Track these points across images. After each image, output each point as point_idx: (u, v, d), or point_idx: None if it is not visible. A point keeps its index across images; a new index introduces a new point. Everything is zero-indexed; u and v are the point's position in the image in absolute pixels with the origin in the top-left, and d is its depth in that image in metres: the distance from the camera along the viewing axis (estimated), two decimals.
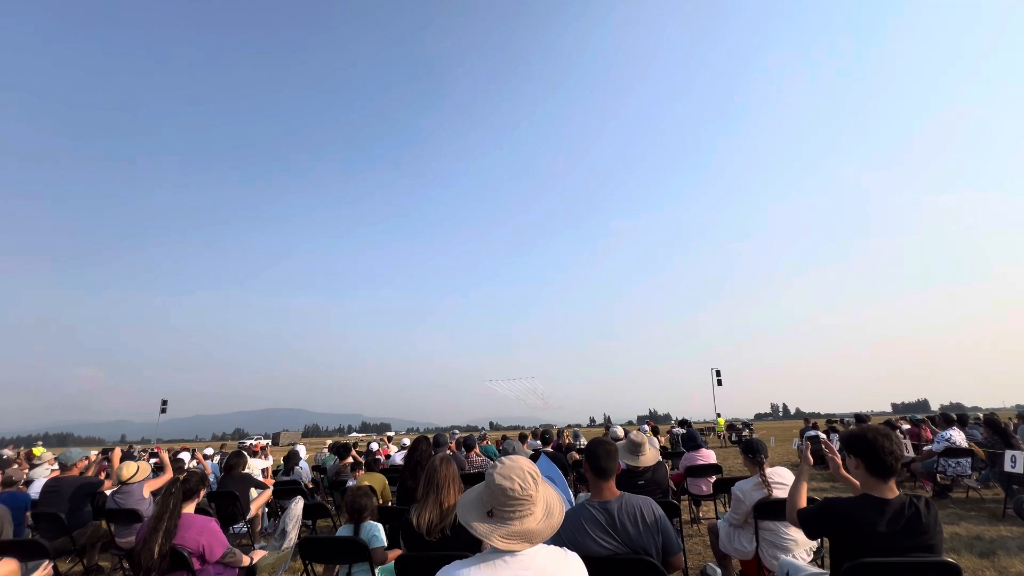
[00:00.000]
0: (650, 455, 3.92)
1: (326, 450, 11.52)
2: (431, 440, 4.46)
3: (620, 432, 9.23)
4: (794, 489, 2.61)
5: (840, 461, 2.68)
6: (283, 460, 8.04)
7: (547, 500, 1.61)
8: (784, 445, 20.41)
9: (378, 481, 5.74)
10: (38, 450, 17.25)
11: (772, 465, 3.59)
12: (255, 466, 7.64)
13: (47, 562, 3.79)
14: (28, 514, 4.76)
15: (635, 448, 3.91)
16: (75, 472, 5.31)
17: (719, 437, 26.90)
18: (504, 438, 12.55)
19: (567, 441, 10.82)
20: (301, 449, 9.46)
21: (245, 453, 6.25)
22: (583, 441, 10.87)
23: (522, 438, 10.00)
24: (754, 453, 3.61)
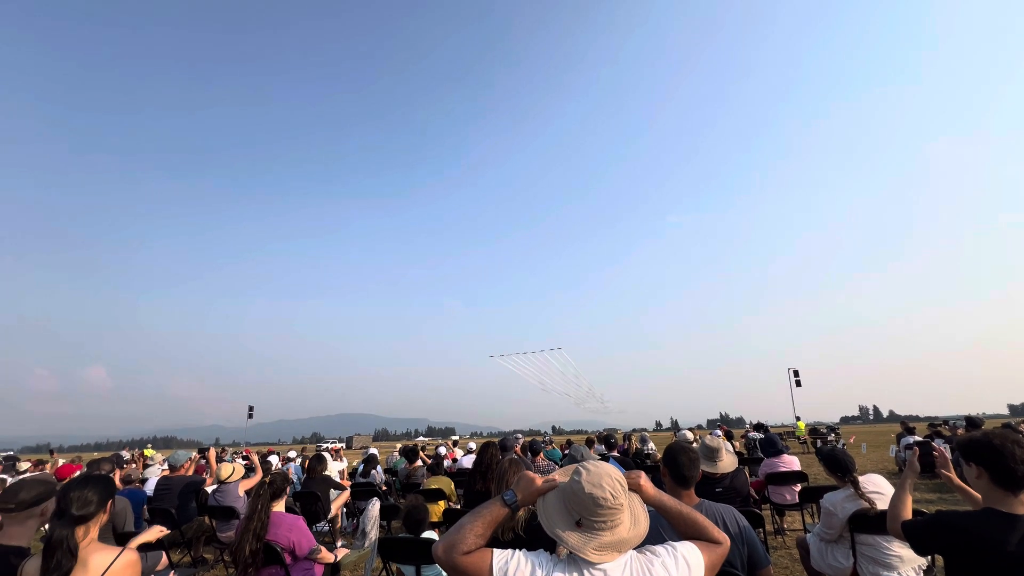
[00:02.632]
0: (728, 461, 3.71)
1: (396, 453, 11.97)
2: (498, 444, 4.51)
3: (690, 436, 8.84)
4: (897, 499, 2.35)
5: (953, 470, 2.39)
6: (362, 462, 8.45)
7: (632, 508, 1.55)
8: (878, 451, 18.57)
9: (445, 484, 5.91)
10: (149, 451, 19.34)
11: (864, 472, 3.26)
12: (333, 468, 8.11)
13: (162, 553, 4.22)
14: (145, 508, 5.34)
15: (711, 453, 3.71)
16: (182, 472, 5.90)
17: (801, 442, 24.95)
18: (569, 442, 12.41)
19: (634, 446, 10.51)
20: (372, 451, 9.90)
21: (326, 456, 6.64)
22: (651, 446, 10.50)
23: (588, 443, 9.83)
24: (842, 472, 3.18)
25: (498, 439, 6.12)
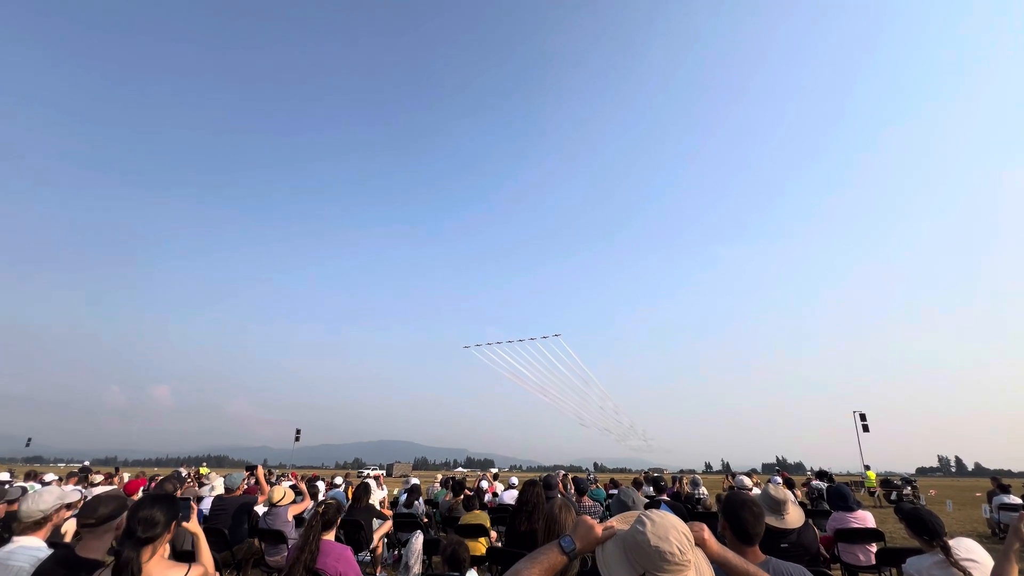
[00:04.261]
0: (795, 515, 3.41)
1: (437, 484, 11.88)
2: (541, 483, 4.39)
3: (748, 483, 8.27)
4: (1000, 571, 2.08)
5: None
6: (404, 492, 8.44)
7: (698, 564, 1.46)
8: (965, 510, 16.55)
9: (484, 519, 5.79)
10: (204, 469, 20.14)
11: (953, 536, 2.90)
12: (375, 496, 8.15)
13: (215, 573, 4.35)
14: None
15: (776, 506, 3.42)
16: (237, 494, 6.11)
17: (871, 494, 22.65)
18: (613, 482, 11.90)
19: (685, 490, 9.93)
20: (415, 482, 9.89)
21: (371, 484, 6.69)
22: (703, 490, 9.89)
23: (635, 484, 9.39)
24: (930, 535, 2.85)
25: (540, 476, 5.97)
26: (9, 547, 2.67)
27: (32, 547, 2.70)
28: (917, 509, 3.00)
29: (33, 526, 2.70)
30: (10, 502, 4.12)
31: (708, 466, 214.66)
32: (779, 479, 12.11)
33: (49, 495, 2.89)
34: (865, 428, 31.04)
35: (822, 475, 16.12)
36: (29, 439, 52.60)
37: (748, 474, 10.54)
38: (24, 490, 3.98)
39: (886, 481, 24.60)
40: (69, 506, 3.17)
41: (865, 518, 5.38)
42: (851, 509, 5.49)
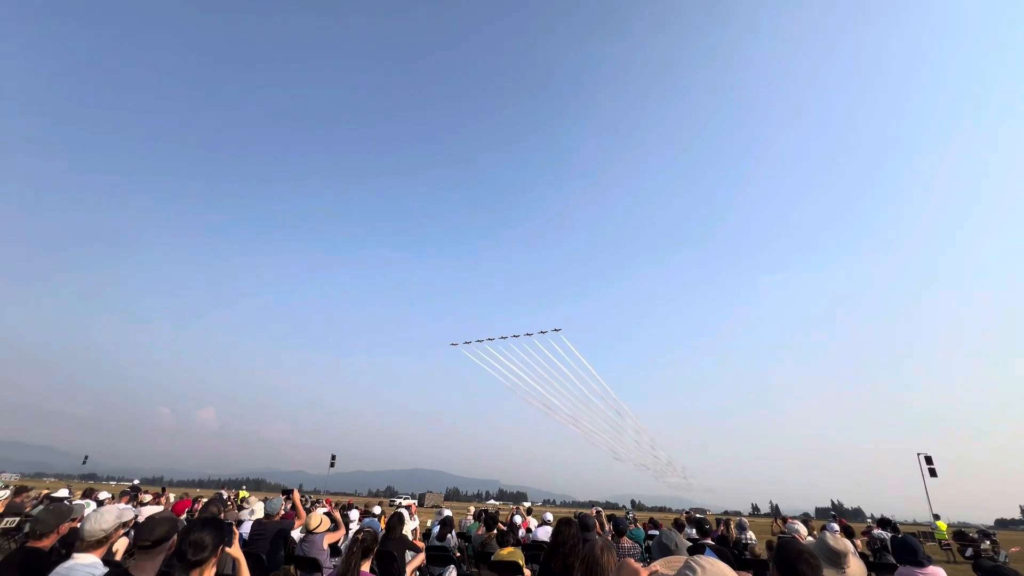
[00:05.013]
0: (856, 568, 3.12)
1: (470, 517, 11.66)
2: (577, 522, 4.22)
3: (803, 530, 7.71)
4: None
5: None
6: (437, 524, 8.33)
7: None
8: None
9: (519, 556, 5.60)
10: (243, 493, 20.60)
11: None
12: (407, 526, 8.06)
13: None
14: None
15: (836, 557, 3.14)
16: (276, 519, 6.21)
17: (943, 548, 20.46)
18: (652, 521, 11.34)
19: (732, 534, 9.33)
20: (448, 513, 9.74)
21: (405, 514, 6.65)
22: (751, 535, 9.24)
23: (676, 525, 8.90)
24: None
25: (575, 513, 5.76)
26: (68, 564, 2.80)
27: (88, 564, 2.82)
28: (1000, 568, 2.71)
29: (94, 544, 2.83)
30: (72, 519, 4.35)
31: (755, 508, 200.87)
32: (836, 526, 11.15)
33: (109, 514, 3.03)
34: (932, 472, 28.44)
35: (884, 523, 14.58)
36: (86, 457, 55.52)
37: (801, 519, 9.81)
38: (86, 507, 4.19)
39: (960, 533, 21.95)
40: (124, 524, 3.32)
41: (936, 574, 4.87)
42: (921, 564, 4.97)
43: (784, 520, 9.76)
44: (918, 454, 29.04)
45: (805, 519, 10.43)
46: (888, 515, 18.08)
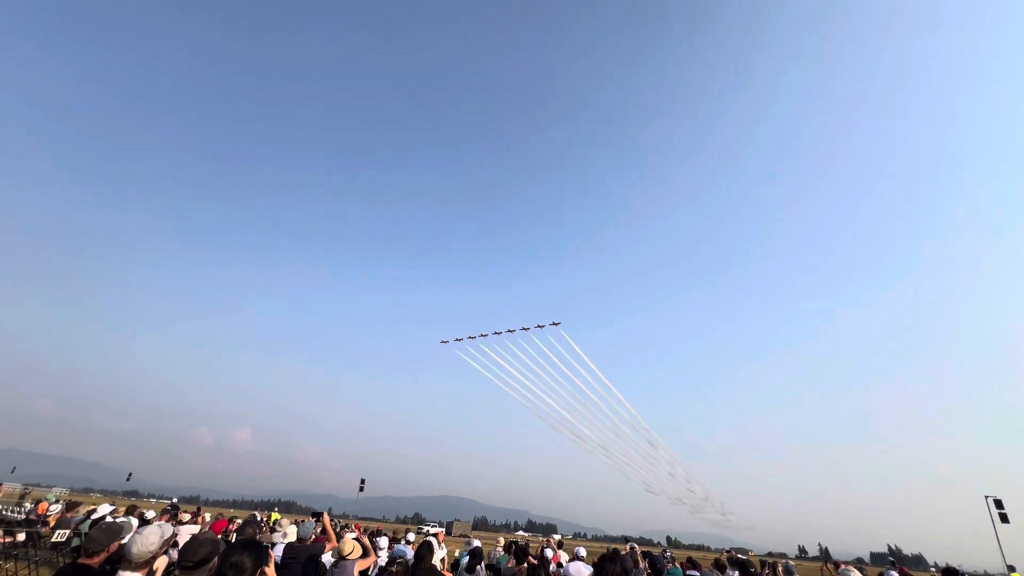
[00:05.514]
0: None
1: (499, 548, 11.37)
2: (618, 562, 4.05)
3: None
4: None
5: None
6: (466, 554, 8.17)
7: None
8: None
9: None
10: (276, 515, 20.84)
11: None
12: (435, 556, 7.92)
13: None
14: None
15: None
16: (308, 543, 6.24)
17: None
18: (691, 561, 10.76)
19: None
20: (477, 543, 9.52)
21: (434, 543, 6.57)
22: None
23: (718, 566, 8.43)
24: None
25: (609, 548, 5.53)
26: None
27: None
28: None
29: (140, 564, 2.93)
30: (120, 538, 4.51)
31: (802, 551, 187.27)
32: (895, 574, 10.24)
33: (153, 535, 3.14)
34: (1003, 518, 25.92)
35: (950, 573, 13.25)
36: (130, 474, 57.66)
37: (855, 565, 9.10)
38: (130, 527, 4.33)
39: None
40: (165, 543, 3.41)
41: None
42: None
43: (836, 565, 9.07)
44: (986, 497, 26.61)
45: (859, 565, 9.66)
46: (954, 564, 16.50)
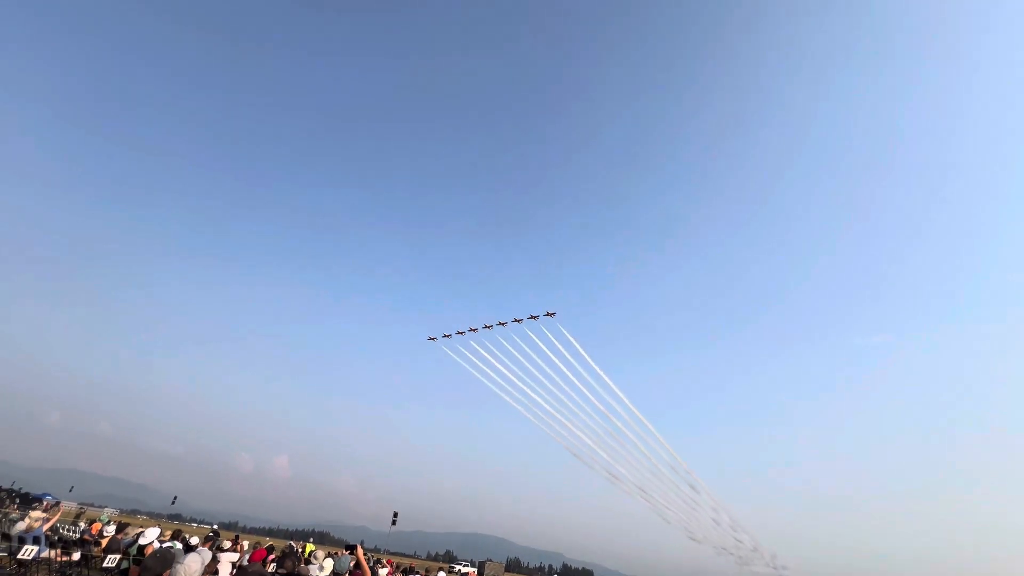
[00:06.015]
0: None
1: None
2: None
3: None
4: None
5: None
6: None
7: None
8: None
9: None
10: (310, 547, 20.89)
11: None
12: None
13: None
14: None
15: None
16: None
17: None
18: None
19: None
20: None
21: None
22: None
23: None
24: None
25: None
26: None
27: None
28: None
29: None
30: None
31: None
32: None
33: (196, 563, 3.25)
34: None
35: None
36: (175, 497, 59.46)
37: None
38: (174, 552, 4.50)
39: None
40: (206, 570, 3.51)
41: None
42: None
43: None
44: None
45: None
46: None
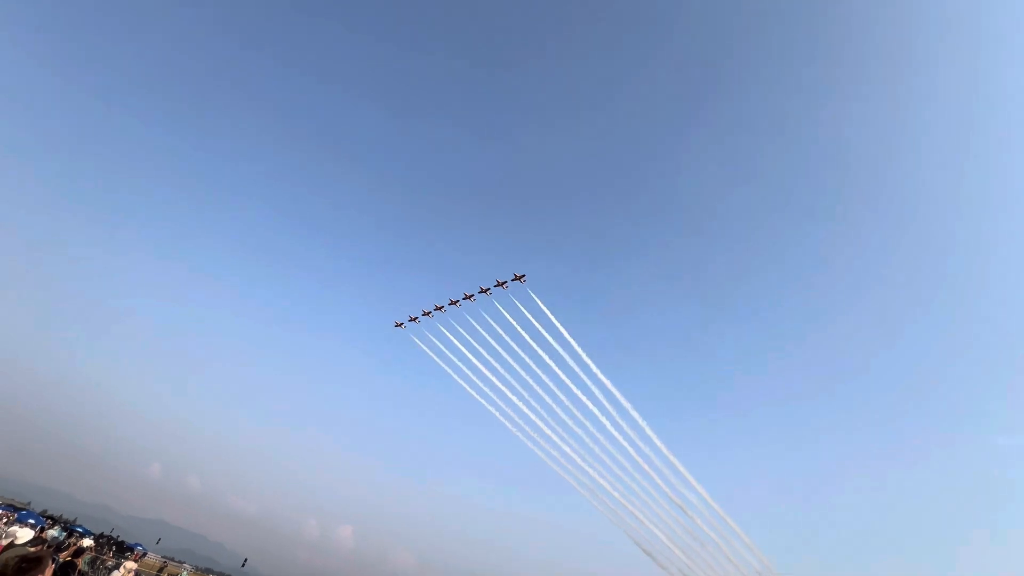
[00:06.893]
0: None
1: None
2: None
3: None
4: None
5: None
6: None
7: None
8: None
9: None
10: None
11: None
12: None
13: None
14: None
15: None
16: None
17: None
18: None
19: None
20: None
21: None
22: None
23: None
24: None
25: None
26: None
27: None
28: None
29: None
30: None
31: None
32: None
33: None
34: None
35: None
36: (245, 560, 60.71)
37: None
38: None
39: None
40: None
41: None
42: None
43: None
44: None
45: None
46: None
